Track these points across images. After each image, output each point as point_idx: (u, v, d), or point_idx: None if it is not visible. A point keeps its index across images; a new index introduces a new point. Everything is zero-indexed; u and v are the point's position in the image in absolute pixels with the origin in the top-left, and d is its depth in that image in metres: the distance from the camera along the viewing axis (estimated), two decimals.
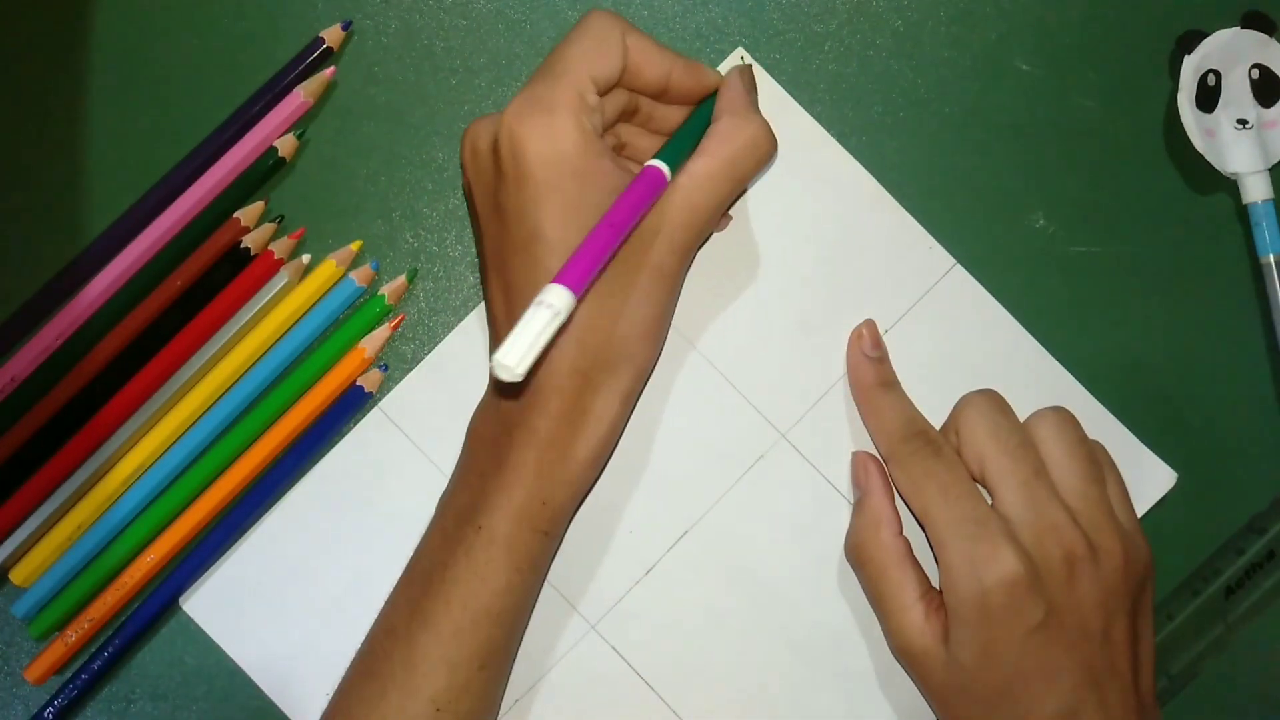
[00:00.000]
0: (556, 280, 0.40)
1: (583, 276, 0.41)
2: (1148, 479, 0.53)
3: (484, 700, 0.48)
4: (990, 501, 0.48)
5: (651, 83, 0.49)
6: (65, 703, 0.52)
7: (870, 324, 0.53)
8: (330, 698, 0.49)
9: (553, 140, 0.45)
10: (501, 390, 0.49)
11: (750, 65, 0.54)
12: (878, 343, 0.53)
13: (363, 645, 0.49)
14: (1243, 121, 0.54)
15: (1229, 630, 0.53)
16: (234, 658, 0.53)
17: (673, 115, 0.51)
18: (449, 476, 0.50)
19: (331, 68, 0.54)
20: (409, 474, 0.53)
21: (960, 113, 0.55)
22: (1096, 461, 0.50)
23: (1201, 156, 0.54)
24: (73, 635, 0.52)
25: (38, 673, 0.52)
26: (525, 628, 0.50)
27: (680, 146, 0.48)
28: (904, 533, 0.50)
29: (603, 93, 0.48)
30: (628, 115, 0.51)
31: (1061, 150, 0.55)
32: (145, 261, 0.53)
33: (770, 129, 0.49)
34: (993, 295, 0.54)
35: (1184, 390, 0.55)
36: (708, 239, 0.53)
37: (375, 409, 0.54)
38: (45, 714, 0.52)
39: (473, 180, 0.49)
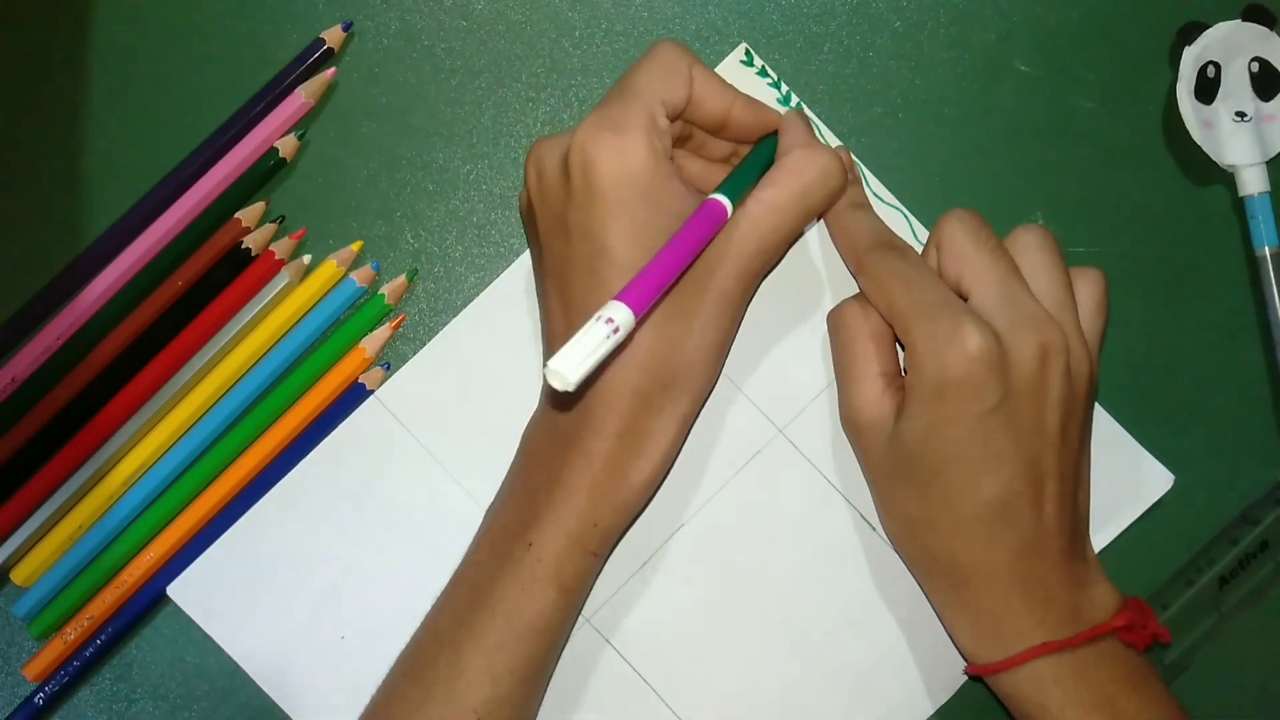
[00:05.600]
0: (619, 298, 0.40)
1: (645, 298, 0.41)
2: (1145, 481, 0.53)
3: (522, 712, 0.48)
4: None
5: (713, 114, 0.49)
6: (56, 689, 0.52)
7: (842, 149, 0.53)
8: (373, 695, 0.49)
9: (624, 159, 0.46)
10: (557, 405, 0.48)
11: (802, 108, 0.54)
12: (850, 165, 0.53)
13: (408, 646, 0.49)
14: (1241, 114, 0.54)
15: (1223, 620, 0.53)
16: (222, 645, 0.52)
17: (723, 145, 0.51)
18: (446, 469, 0.49)
19: (332, 69, 0.55)
20: (404, 462, 0.53)
21: (959, 113, 0.55)
22: (1069, 279, 0.49)
23: (1199, 150, 0.54)
24: (71, 633, 0.52)
25: (37, 670, 0.52)
26: (565, 643, 0.50)
27: (742, 179, 0.48)
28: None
29: (672, 118, 0.48)
30: (680, 142, 0.51)
31: (1060, 150, 0.55)
32: (146, 262, 0.53)
33: (841, 164, 0.48)
34: None
35: (1180, 384, 0.55)
36: (773, 269, 0.52)
37: (371, 398, 0.54)
38: (36, 699, 0.52)
39: (537, 198, 0.48)
